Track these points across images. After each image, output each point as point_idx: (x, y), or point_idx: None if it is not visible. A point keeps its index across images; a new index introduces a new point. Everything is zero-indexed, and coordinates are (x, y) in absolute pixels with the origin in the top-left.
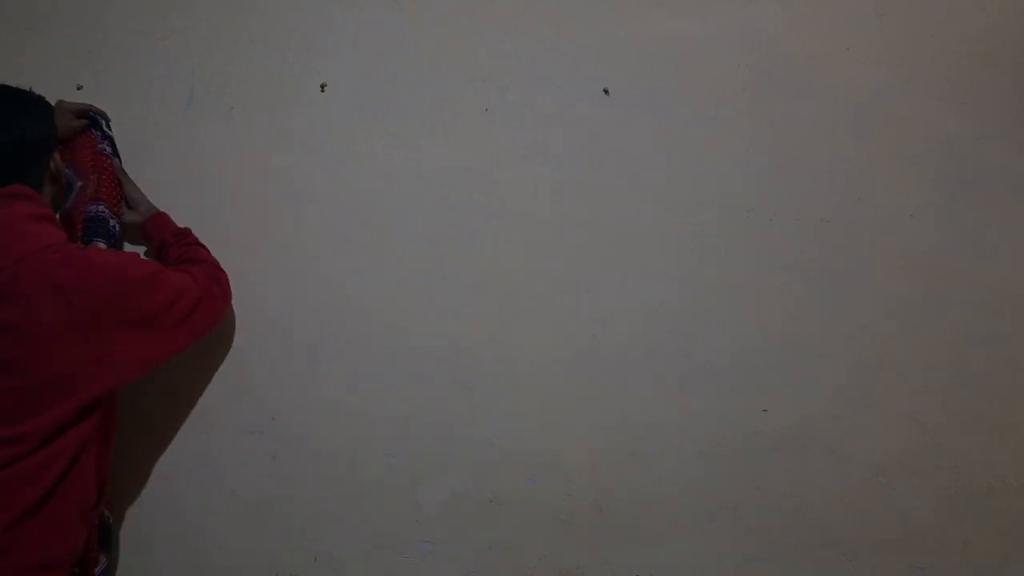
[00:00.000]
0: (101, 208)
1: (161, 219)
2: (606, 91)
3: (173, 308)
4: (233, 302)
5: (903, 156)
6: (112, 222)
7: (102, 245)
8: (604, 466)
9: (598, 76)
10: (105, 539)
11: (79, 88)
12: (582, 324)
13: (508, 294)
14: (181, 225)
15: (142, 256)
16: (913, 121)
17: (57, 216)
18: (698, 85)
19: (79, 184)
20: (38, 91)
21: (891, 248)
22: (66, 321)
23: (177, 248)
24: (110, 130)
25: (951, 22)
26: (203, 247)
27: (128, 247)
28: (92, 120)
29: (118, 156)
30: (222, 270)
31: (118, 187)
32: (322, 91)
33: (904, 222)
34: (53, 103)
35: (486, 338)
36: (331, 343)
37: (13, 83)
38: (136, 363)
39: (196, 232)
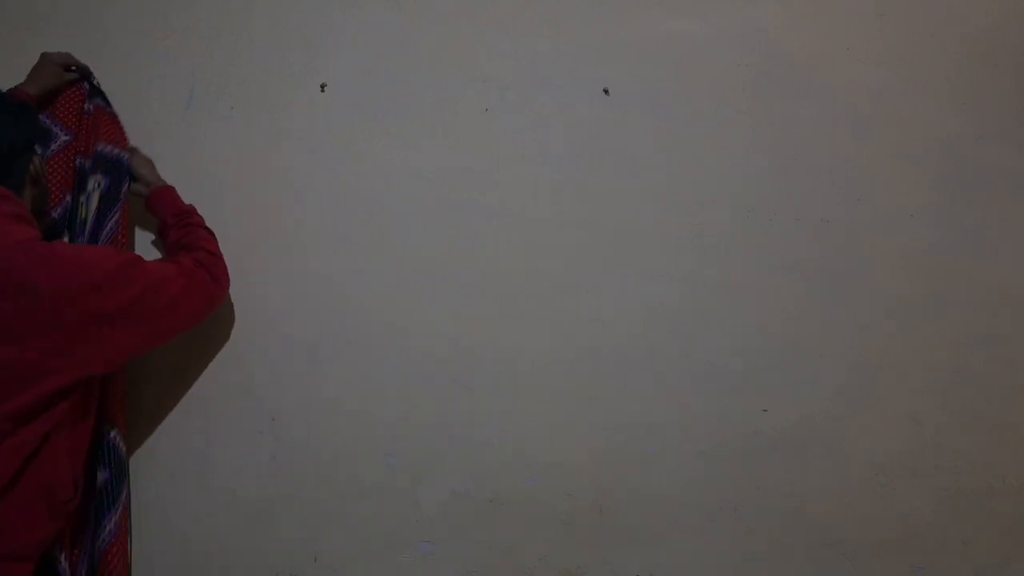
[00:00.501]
0: (103, 149)
1: (164, 195)
2: (606, 91)
3: (154, 298)
4: (234, 302)
5: (903, 156)
6: (114, 150)
7: (101, 179)
8: (604, 466)
9: (598, 76)
10: (107, 456)
11: None
12: (582, 324)
13: (508, 294)
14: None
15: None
16: (913, 121)
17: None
18: (698, 85)
19: (64, 138)
20: None
21: (891, 248)
22: (32, 317)
23: (176, 231)
24: (98, 83)
25: (951, 22)
26: (203, 228)
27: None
28: (83, 74)
29: (111, 106)
30: (218, 255)
31: (118, 132)
32: (322, 91)
33: (904, 222)
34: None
35: (486, 338)
36: (331, 343)
37: (14, 83)
38: (111, 355)
39: None
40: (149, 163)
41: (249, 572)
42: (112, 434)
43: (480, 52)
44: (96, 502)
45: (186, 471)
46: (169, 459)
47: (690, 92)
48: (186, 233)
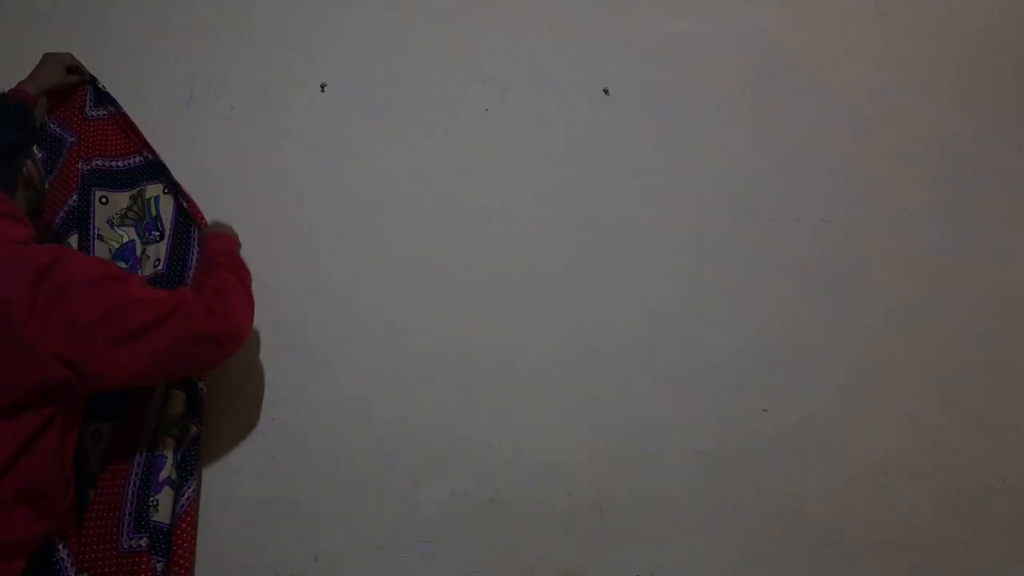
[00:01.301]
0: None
1: (209, 240)
2: (606, 91)
3: (127, 316)
4: None
5: (903, 156)
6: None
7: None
8: (604, 466)
9: (598, 76)
10: (197, 408)
11: None
12: (582, 324)
13: (508, 294)
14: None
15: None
16: (913, 121)
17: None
18: (698, 85)
19: (71, 140)
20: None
21: (891, 248)
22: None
23: (199, 272)
24: (104, 88)
25: (951, 22)
26: (226, 270)
27: None
28: (86, 78)
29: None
30: (226, 293)
31: (139, 137)
32: (322, 91)
33: (904, 222)
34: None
35: (486, 338)
36: (331, 343)
37: (14, 83)
38: (98, 372)
39: None
40: (224, 224)
41: (249, 572)
42: (200, 385)
43: (480, 52)
44: (183, 461)
45: None
46: None
47: (690, 92)
48: (204, 274)
